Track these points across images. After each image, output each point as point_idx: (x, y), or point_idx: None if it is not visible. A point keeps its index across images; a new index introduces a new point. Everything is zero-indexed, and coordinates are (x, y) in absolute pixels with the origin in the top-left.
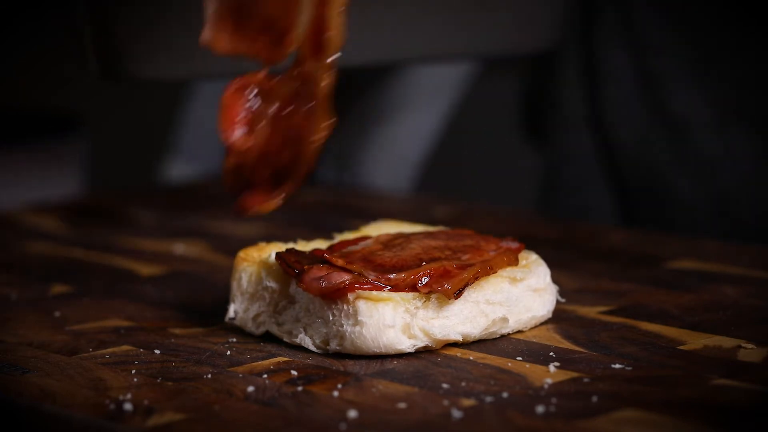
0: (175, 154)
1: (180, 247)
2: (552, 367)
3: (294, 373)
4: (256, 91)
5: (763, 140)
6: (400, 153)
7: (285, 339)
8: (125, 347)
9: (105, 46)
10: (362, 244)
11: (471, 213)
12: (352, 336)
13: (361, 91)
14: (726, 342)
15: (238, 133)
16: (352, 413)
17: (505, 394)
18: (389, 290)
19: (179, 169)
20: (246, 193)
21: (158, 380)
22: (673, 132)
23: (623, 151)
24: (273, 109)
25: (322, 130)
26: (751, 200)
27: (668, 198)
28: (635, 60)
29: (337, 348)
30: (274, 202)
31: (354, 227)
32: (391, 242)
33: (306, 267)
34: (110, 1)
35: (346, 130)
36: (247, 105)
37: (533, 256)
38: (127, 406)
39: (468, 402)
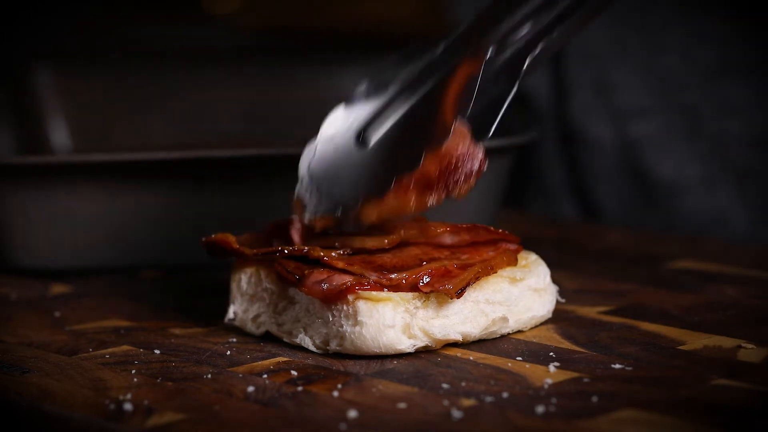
0: None
1: None
2: (552, 367)
3: (294, 373)
4: None
5: (755, 196)
6: None
7: (285, 339)
8: (125, 347)
9: None
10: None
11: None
12: (352, 336)
13: None
14: (726, 342)
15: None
16: (352, 413)
17: (505, 394)
18: (390, 290)
19: None
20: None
21: (158, 380)
22: (660, 195)
23: (606, 216)
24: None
25: None
26: None
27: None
28: (615, 127)
29: (337, 348)
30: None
31: None
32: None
33: (306, 272)
34: None
35: None
36: None
37: (533, 256)
38: (127, 406)
39: (468, 402)
